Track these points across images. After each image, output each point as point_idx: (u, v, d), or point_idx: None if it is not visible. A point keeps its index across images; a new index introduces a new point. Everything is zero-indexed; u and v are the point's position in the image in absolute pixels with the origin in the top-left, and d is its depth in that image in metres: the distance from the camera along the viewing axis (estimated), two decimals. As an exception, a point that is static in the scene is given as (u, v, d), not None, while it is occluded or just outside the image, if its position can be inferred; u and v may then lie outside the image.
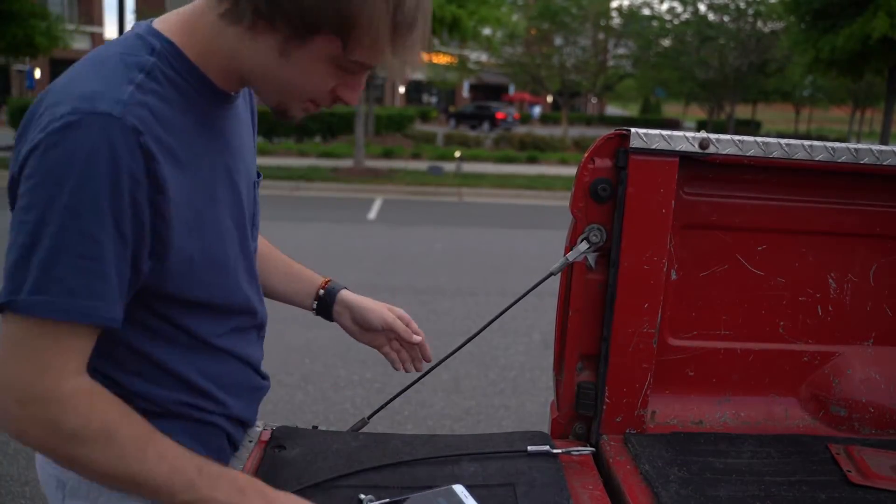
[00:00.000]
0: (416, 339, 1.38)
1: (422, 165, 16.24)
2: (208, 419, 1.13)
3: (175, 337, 1.06)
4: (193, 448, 0.99)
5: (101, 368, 1.00)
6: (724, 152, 1.30)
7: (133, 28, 1.01)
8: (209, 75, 1.00)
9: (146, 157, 0.90)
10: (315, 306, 1.39)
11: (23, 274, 0.87)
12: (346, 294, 1.37)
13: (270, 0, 0.89)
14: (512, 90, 48.26)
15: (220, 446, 1.17)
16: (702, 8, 27.74)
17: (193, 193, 0.99)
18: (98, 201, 0.87)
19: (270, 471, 1.19)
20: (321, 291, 1.37)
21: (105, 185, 0.87)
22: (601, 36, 30.61)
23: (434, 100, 51.64)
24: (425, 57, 1.02)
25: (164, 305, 1.02)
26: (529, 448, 1.27)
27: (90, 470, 0.93)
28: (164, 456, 0.93)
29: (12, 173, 0.91)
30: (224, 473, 0.98)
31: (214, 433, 1.15)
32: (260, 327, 1.23)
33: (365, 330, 1.38)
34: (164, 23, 1.00)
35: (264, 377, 1.26)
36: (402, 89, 47.24)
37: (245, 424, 1.23)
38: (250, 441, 1.31)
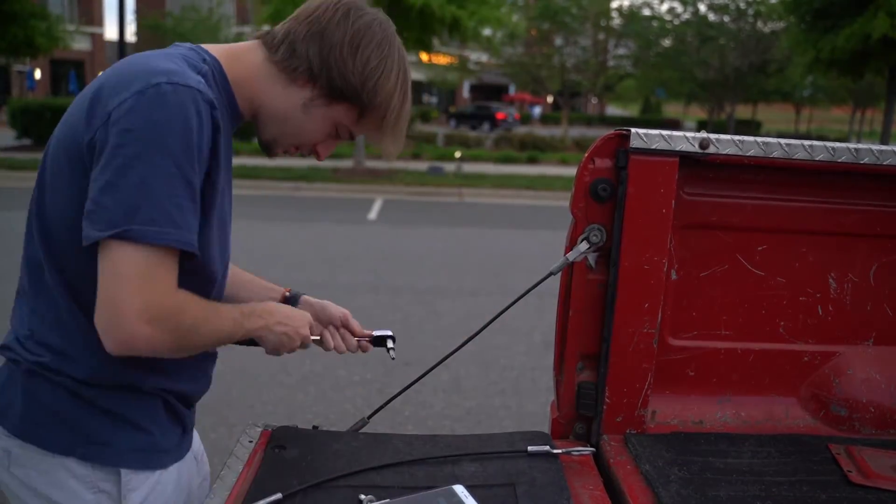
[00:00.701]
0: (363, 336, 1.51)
1: (422, 166, 16.23)
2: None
3: None
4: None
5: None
6: (724, 152, 1.30)
7: (172, 47, 1.20)
8: (237, 100, 1.20)
9: (215, 128, 1.10)
10: None
11: (130, 208, 1.02)
12: (305, 297, 1.50)
13: (324, 64, 1.15)
14: (512, 90, 48.25)
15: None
16: (702, 8, 27.74)
17: (224, 184, 1.18)
18: (192, 153, 1.05)
19: (270, 471, 1.19)
20: (286, 295, 1.50)
21: (198, 142, 1.06)
22: (601, 36, 30.58)
23: (434, 100, 51.63)
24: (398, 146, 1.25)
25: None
26: (530, 448, 1.27)
27: (199, 346, 1.17)
28: (228, 315, 1.18)
29: (94, 131, 1.06)
30: (255, 308, 1.23)
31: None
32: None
33: (323, 324, 1.46)
34: (209, 47, 1.21)
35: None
36: (402, 89, 47.08)
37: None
38: (250, 441, 1.31)
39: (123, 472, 1.18)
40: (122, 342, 1.06)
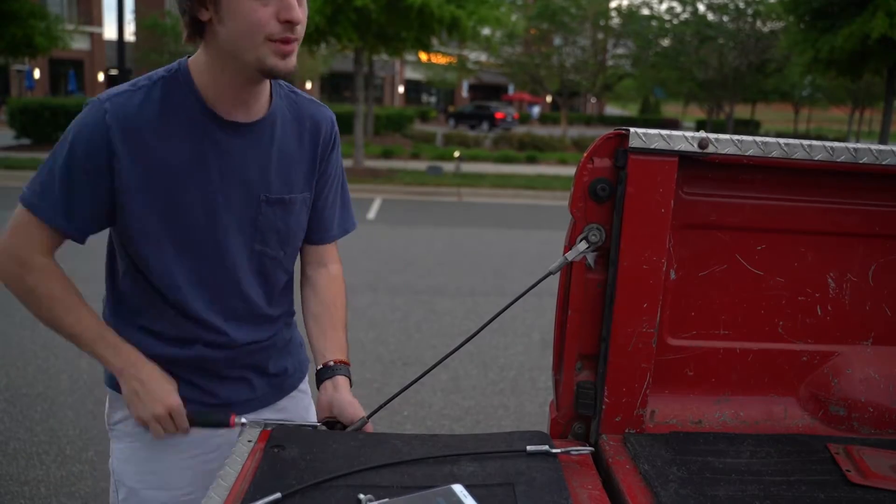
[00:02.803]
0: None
1: (421, 165, 16.24)
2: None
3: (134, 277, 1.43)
4: None
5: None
6: (723, 152, 1.30)
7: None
8: (207, 97, 1.31)
9: (108, 131, 1.25)
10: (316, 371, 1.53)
11: (30, 180, 1.33)
12: (340, 380, 1.47)
13: (184, 16, 1.23)
14: (511, 90, 48.26)
15: None
16: (701, 8, 27.74)
17: (154, 174, 1.30)
18: (69, 153, 1.28)
19: (270, 471, 1.19)
20: (326, 365, 1.49)
21: (74, 145, 1.28)
22: (600, 36, 30.56)
23: (433, 100, 51.64)
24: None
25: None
26: (528, 448, 1.27)
27: (43, 319, 1.37)
28: (81, 320, 1.37)
29: None
30: (119, 345, 1.38)
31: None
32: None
33: (331, 413, 1.45)
34: (192, 56, 1.34)
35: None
36: (401, 89, 47.25)
37: None
38: (250, 441, 1.31)
39: (108, 390, 1.49)
40: None
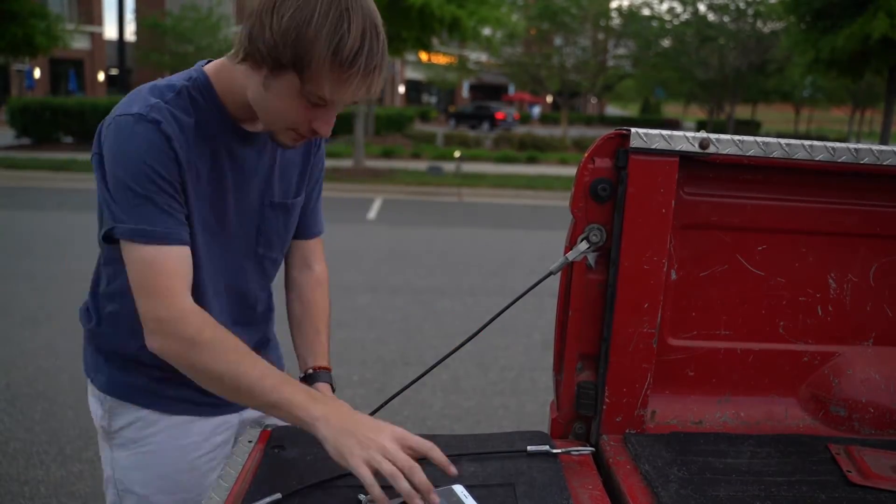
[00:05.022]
0: None
1: (421, 165, 16.24)
2: None
3: None
4: None
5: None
6: (724, 152, 1.30)
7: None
8: (228, 108, 1.29)
9: (171, 141, 1.21)
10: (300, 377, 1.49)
11: (114, 216, 1.23)
12: (321, 386, 1.46)
13: (250, 39, 1.15)
14: (512, 90, 48.26)
15: None
16: (702, 8, 27.74)
17: (193, 183, 1.27)
18: (141, 170, 1.20)
19: (270, 471, 1.19)
20: (307, 373, 1.49)
21: (144, 161, 1.20)
22: (601, 36, 30.59)
23: (434, 100, 51.65)
24: (373, 88, 1.19)
25: None
26: (529, 448, 1.27)
27: (213, 384, 1.23)
28: (257, 364, 1.20)
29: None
30: (304, 387, 1.21)
31: None
32: (239, 297, 1.46)
33: None
34: (210, 64, 1.32)
35: None
36: (401, 89, 47.25)
37: None
38: (250, 441, 1.31)
39: (107, 397, 1.44)
40: None
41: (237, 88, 1.26)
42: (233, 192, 1.35)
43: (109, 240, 1.25)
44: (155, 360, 1.28)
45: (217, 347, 1.20)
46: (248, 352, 1.22)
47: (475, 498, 1.11)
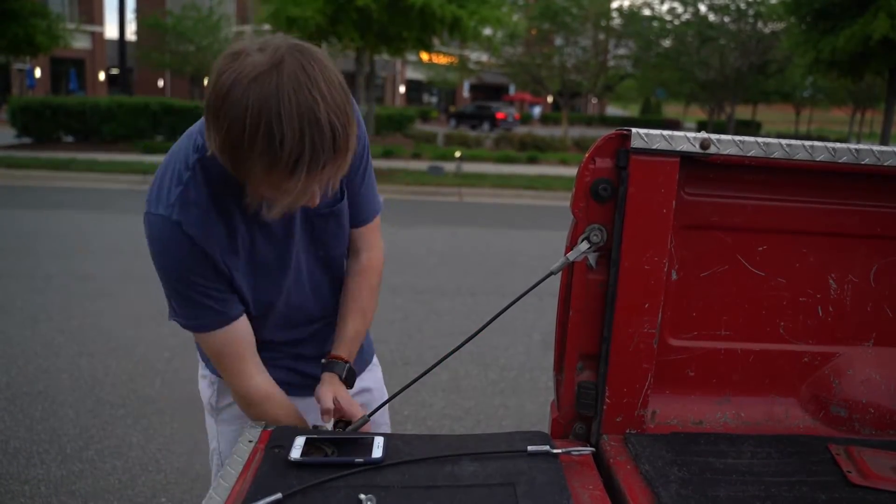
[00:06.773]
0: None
1: (422, 165, 16.22)
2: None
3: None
4: None
5: None
6: (725, 153, 1.30)
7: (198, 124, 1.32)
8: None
9: (193, 240, 1.27)
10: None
11: (175, 316, 1.39)
12: (331, 376, 1.50)
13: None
14: (512, 90, 48.27)
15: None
16: (702, 8, 27.74)
17: (230, 244, 1.33)
18: (174, 271, 1.30)
19: (270, 470, 1.19)
20: (322, 361, 1.54)
21: (174, 262, 1.29)
22: (602, 36, 30.54)
23: (434, 100, 51.65)
24: (315, 190, 1.17)
25: None
26: (529, 448, 1.27)
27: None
28: (290, 416, 1.44)
29: None
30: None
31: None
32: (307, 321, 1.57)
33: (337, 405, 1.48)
34: None
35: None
36: (402, 89, 47.27)
37: None
38: (250, 441, 1.31)
39: (216, 378, 1.58)
40: None
41: None
42: (279, 221, 1.35)
43: None
44: (259, 348, 1.44)
45: (268, 413, 1.42)
46: (289, 408, 1.46)
47: (475, 498, 1.11)
